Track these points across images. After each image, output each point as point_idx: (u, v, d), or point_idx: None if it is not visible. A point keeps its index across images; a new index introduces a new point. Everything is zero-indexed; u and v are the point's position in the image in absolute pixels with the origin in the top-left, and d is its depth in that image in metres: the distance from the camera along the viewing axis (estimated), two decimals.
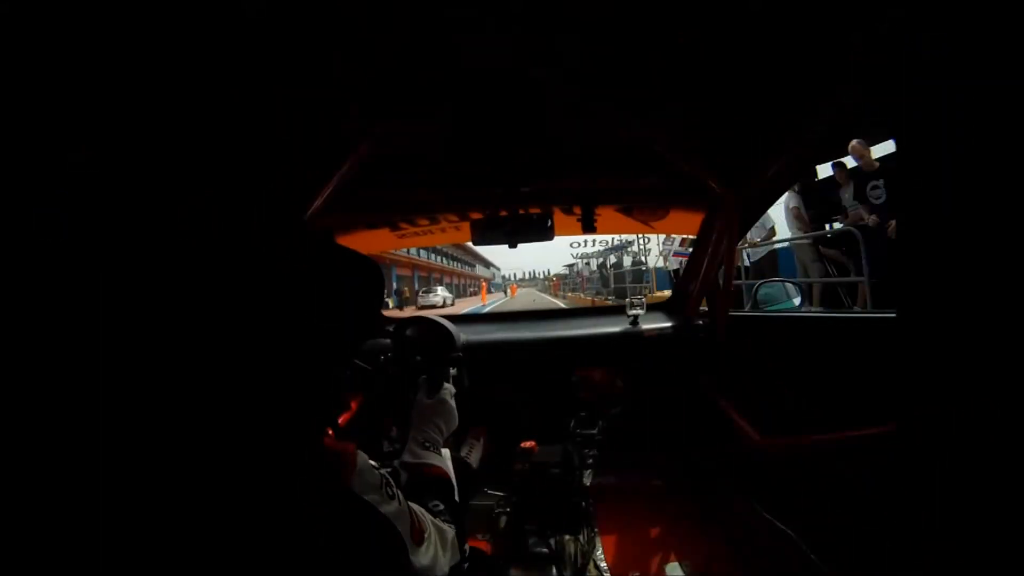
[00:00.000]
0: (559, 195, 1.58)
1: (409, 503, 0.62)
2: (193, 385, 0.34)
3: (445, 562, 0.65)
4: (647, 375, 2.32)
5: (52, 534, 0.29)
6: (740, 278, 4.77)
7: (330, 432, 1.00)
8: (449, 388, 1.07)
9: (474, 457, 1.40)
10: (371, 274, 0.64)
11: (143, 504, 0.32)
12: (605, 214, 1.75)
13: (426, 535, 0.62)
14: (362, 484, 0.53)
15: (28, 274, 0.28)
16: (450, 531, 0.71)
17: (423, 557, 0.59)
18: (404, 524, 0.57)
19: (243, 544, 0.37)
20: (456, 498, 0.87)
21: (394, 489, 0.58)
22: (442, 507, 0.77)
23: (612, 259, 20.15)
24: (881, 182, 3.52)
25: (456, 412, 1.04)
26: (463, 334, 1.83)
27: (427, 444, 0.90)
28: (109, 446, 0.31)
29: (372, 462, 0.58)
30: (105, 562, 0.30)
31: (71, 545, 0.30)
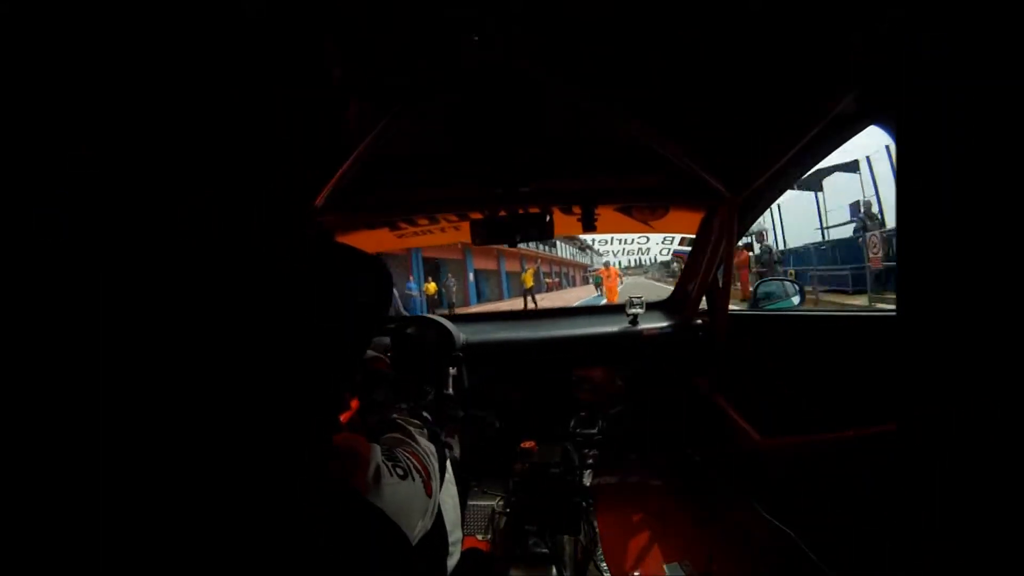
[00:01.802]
0: (558, 195, 1.58)
1: (413, 460, 0.63)
2: (192, 385, 0.34)
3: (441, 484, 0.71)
4: (647, 375, 2.32)
5: (51, 534, 0.29)
6: None
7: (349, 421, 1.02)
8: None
9: (455, 452, 1.42)
10: (375, 273, 0.64)
11: (142, 505, 0.32)
12: (605, 214, 1.75)
13: (433, 481, 0.65)
14: (380, 481, 0.54)
15: (28, 274, 0.28)
16: (421, 444, 0.72)
17: (433, 500, 0.63)
18: (420, 491, 0.59)
19: (240, 545, 0.37)
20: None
21: (403, 467, 0.59)
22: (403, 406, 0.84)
23: None
24: None
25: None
26: (463, 334, 1.84)
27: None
28: (108, 445, 0.31)
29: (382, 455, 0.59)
30: (105, 562, 0.30)
31: (70, 544, 0.30)
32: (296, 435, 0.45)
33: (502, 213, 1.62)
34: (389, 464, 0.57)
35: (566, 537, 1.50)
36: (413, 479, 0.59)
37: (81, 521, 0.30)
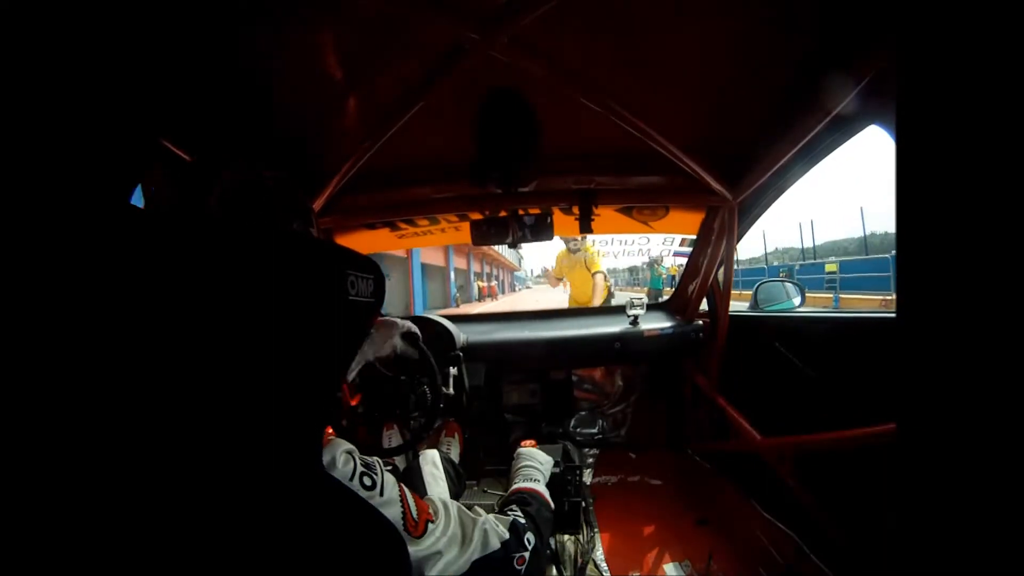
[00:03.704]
0: (558, 195, 1.58)
1: (408, 492, 0.58)
2: (188, 386, 0.34)
3: (460, 555, 0.58)
4: (647, 375, 2.32)
5: (45, 532, 0.29)
6: None
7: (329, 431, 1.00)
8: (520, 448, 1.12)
9: (454, 453, 1.41)
10: (369, 273, 0.64)
11: (127, 505, 0.32)
12: (605, 214, 1.75)
13: (434, 524, 0.57)
14: (328, 466, 0.51)
15: (25, 274, 0.28)
16: (484, 520, 0.64)
17: (421, 547, 0.54)
18: (389, 516, 0.53)
19: (229, 547, 0.37)
20: (544, 529, 0.78)
21: (375, 476, 0.55)
22: (516, 510, 0.74)
23: None
24: None
25: (537, 450, 1.11)
26: (463, 334, 1.84)
27: (517, 480, 0.92)
28: (101, 440, 0.31)
29: (351, 454, 0.55)
30: (95, 554, 0.30)
31: (64, 542, 0.30)
32: (294, 436, 0.45)
33: (502, 213, 1.62)
34: (359, 471, 0.53)
35: (566, 537, 1.50)
36: (381, 495, 0.53)
37: (74, 518, 0.30)
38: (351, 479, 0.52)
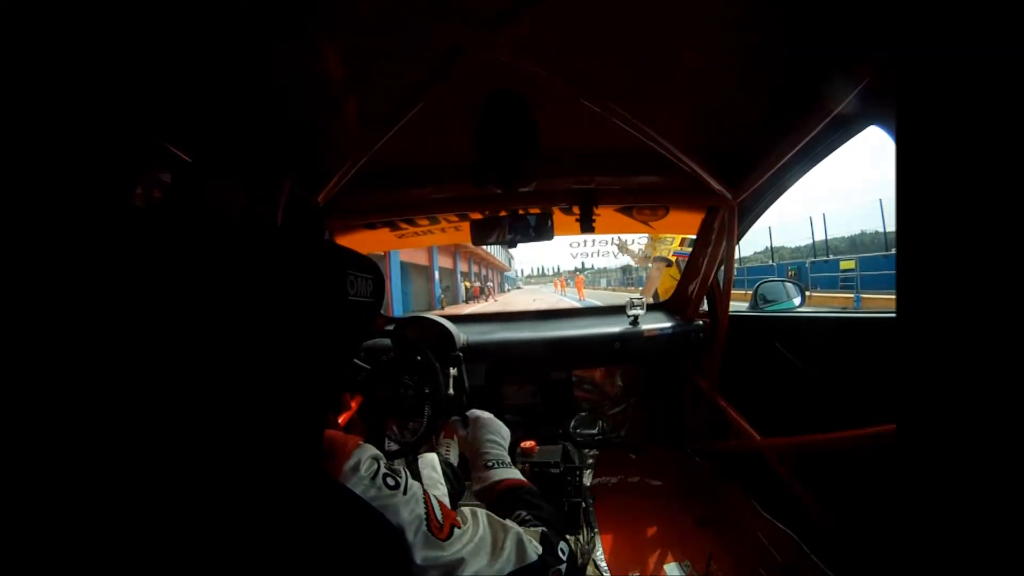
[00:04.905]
0: (559, 195, 1.58)
1: (435, 497, 0.58)
2: (187, 387, 0.34)
3: (492, 564, 0.57)
4: (647, 375, 2.33)
5: (45, 531, 0.29)
6: None
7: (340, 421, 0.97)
8: (478, 412, 1.07)
9: (453, 456, 1.42)
10: (369, 274, 0.64)
11: (125, 507, 0.32)
12: (605, 214, 1.75)
13: (460, 529, 0.57)
14: (354, 478, 0.51)
15: (25, 275, 0.28)
16: (517, 530, 0.63)
17: (446, 551, 0.53)
18: (411, 515, 0.53)
19: (226, 546, 0.37)
20: (543, 500, 0.79)
21: (399, 478, 0.55)
22: (526, 515, 0.72)
23: None
24: None
25: (497, 420, 1.03)
26: (464, 334, 1.83)
27: (489, 464, 0.88)
28: (100, 443, 0.31)
29: (376, 459, 0.56)
30: (94, 554, 0.30)
31: (64, 541, 0.30)
32: (292, 435, 0.45)
33: (503, 213, 1.62)
34: (381, 472, 0.53)
35: (566, 537, 1.50)
36: (405, 494, 0.53)
37: (73, 520, 0.30)
38: (374, 479, 0.53)
